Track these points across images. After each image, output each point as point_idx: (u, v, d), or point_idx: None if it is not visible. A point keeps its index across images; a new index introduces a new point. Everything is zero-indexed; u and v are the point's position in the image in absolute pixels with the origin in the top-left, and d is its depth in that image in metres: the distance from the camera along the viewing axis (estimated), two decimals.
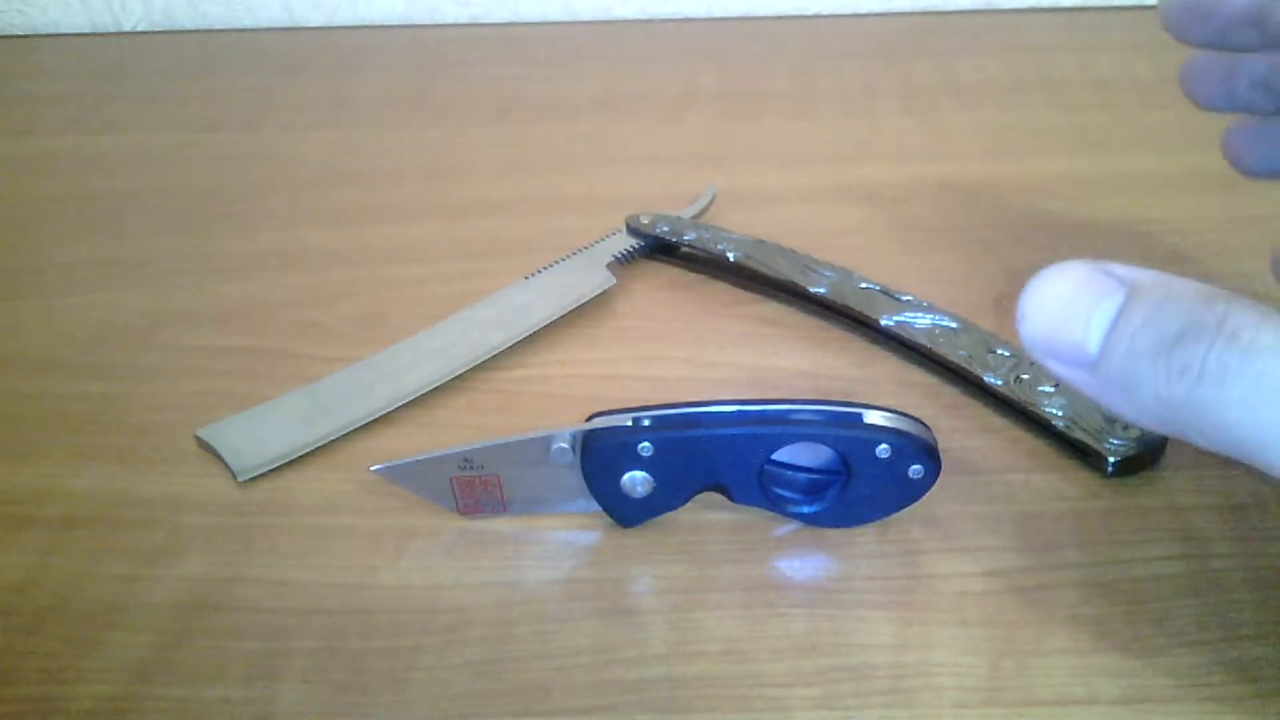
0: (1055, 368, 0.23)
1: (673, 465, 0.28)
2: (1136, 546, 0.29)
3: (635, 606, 0.28)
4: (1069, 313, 0.22)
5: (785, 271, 0.38)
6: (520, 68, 0.58)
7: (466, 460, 0.29)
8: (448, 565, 0.29)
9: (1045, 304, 0.22)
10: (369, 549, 0.29)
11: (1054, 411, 0.31)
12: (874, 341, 0.36)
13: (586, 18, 0.64)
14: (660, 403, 0.28)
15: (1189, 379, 0.20)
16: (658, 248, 0.41)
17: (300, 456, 0.32)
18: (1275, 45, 0.31)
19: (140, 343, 0.38)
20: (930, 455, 0.28)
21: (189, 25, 0.65)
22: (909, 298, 0.36)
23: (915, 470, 0.28)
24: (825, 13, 0.64)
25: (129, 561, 0.29)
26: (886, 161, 0.47)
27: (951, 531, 0.29)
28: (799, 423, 0.28)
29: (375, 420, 0.34)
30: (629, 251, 0.40)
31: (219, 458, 0.32)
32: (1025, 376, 0.32)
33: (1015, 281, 0.39)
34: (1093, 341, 0.22)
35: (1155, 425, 0.22)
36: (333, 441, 0.33)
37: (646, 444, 0.27)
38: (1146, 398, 0.21)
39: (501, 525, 0.30)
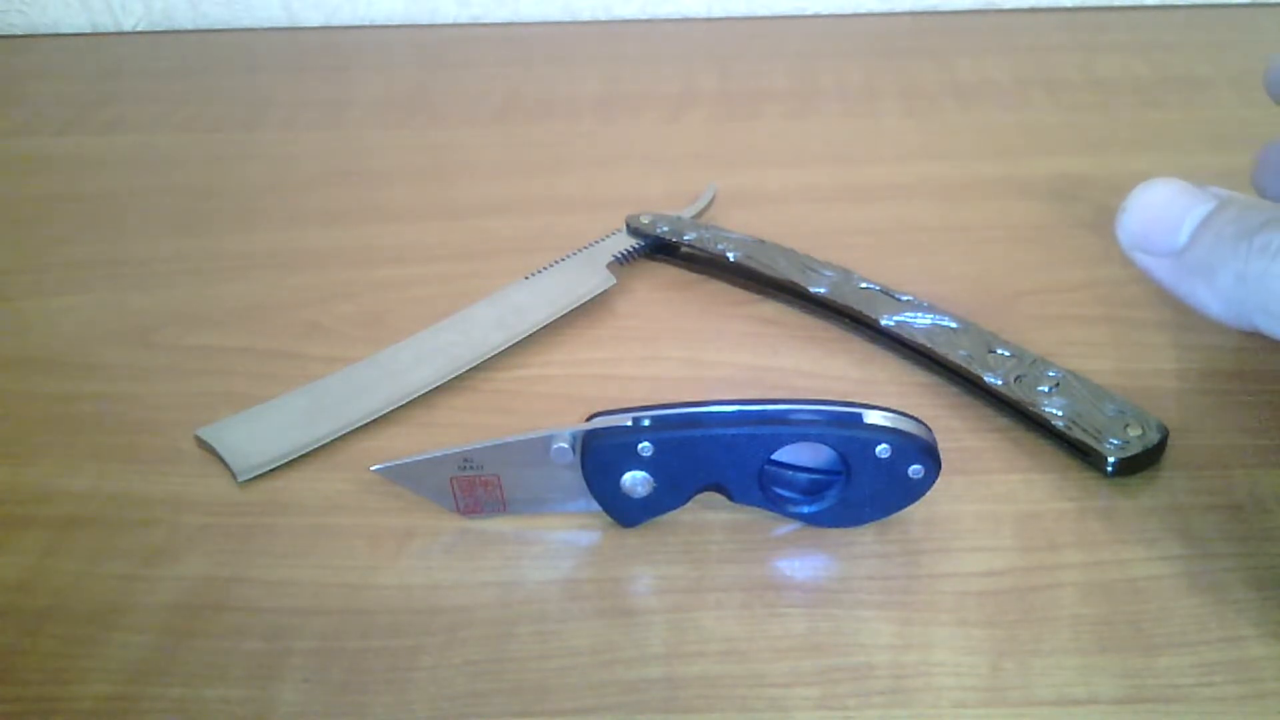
0: (1141, 259, 0.27)
1: (673, 465, 0.28)
2: (1136, 546, 0.29)
3: (635, 606, 0.28)
4: (1167, 210, 0.26)
5: (785, 271, 0.38)
6: (520, 68, 0.58)
7: (466, 460, 0.29)
8: (448, 565, 0.29)
9: (1148, 202, 0.27)
10: (369, 549, 0.29)
11: (1054, 411, 0.31)
12: (874, 341, 0.36)
13: (586, 18, 0.64)
14: (660, 403, 0.28)
15: (1267, 255, 0.24)
16: (658, 248, 0.41)
17: (300, 456, 0.32)
18: None
19: (140, 343, 0.38)
20: (930, 455, 0.28)
21: (189, 25, 0.65)
22: (909, 298, 0.36)
23: (915, 470, 0.28)
24: (825, 13, 0.64)
25: (129, 561, 0.29)
26: (886, 161, 0.47)
27: (951, 531, 0.29)
28: (799, 423, 0.28)
29: (375, 420, 0.34)
30: (629, 251, 0.40)
31: (219, 458, 0.32)
32: (1025, 376, 0.32)
33: (1015, 281, 0.39)
34: (1184, 232, 0.26)
35: (1226, 306, 0.25)
36: (333, 441, 0.33)
37: (646, 444, 0.27)
38: (1226, 278, 0.25)
39: (501, 525, 0.30)
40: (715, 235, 0.40)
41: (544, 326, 0.37)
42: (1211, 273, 0.25)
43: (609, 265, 0.40)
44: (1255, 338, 0.35)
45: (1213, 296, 0.25)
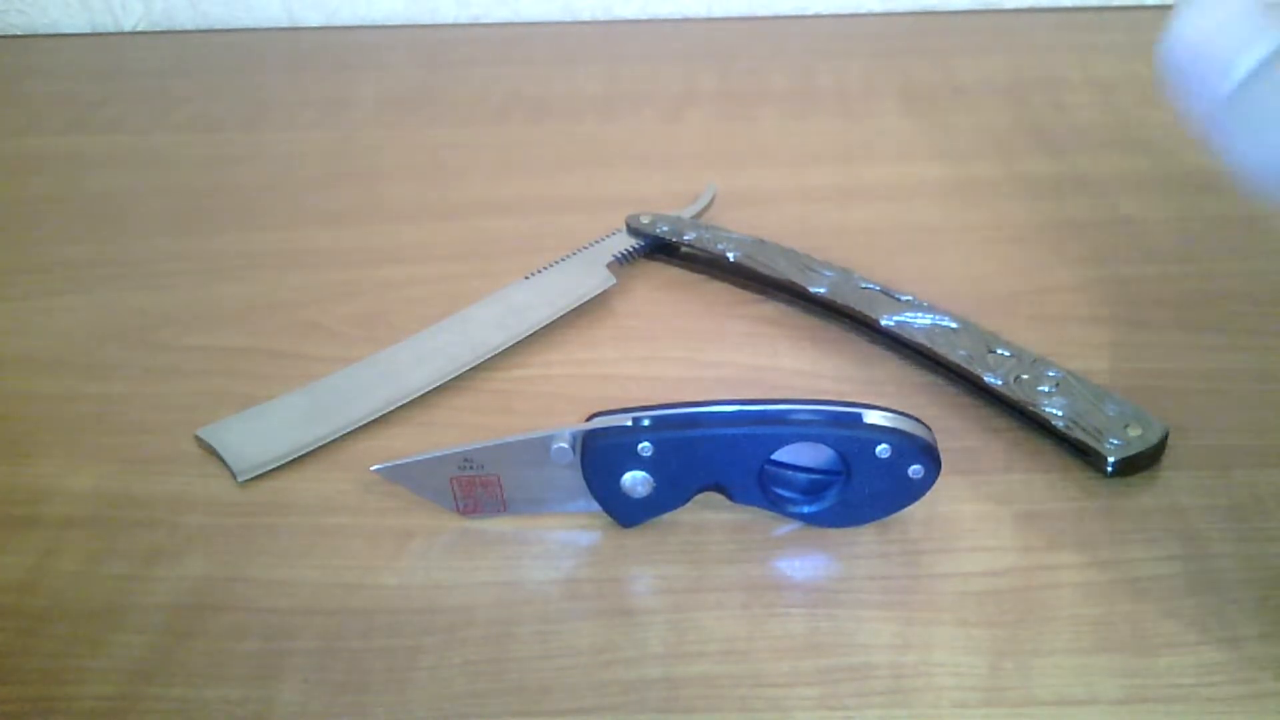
0: (1183, 92, 0.22)
1: (673, 465, 0.28)
2: (1136, 546, 0.29)
3: (635, 606, 0.28)
4: (1220, 41, 0.21)
5: (785, 271, 0.38)
6: (520, 68, 0.58)
7: (466, 460, 0.29)
8: (448, 565, 0.29)
9: (1199, 26, 0.22)
10: (369, 549, 0.29)
11: (1054, 411, 0.31)
12: (874, 341, 0.36)
13: (586, 18, 0.64)
14: (660, 403, 0.28)
15: None
16: (658, 248, 0.41)
17: (300, 456, 0.32)
18: None
19: (140, 343, 0.38)
20: (930, 455, 0.28)
21: (189, 25, 0.65)
22: (909, 298, 0.36)
23: (915, 470, 0.28)
24: (825, 13, 0.64)
25: (129, 561, 0.29)
26: (886, 161, 0.47)
27: (951, 531, 0.29)
28: (799, 423, 0.28)
29: (375, 420, 0.34)
30: (629, 251, 0.40)
31: (219, 458, 0.32)
32: (1025, 376, 0.32)
33: (1015, 281, 0.39)
34: (1240, 69, 0.21)
35: (1271, 170, 0.22)
36: (333, 441, 0.33)
37: (646, 444, 0.27)
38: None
39: (501, 525, 0.30)
40: (715, 235, 0.40)
41: (544, 326, 0.37)
42: (1263, 128, 0.21)
43: (609, 265, 0.40)
44: (1255, 337, 0.35)
45: (1257, 155, 0.22)
